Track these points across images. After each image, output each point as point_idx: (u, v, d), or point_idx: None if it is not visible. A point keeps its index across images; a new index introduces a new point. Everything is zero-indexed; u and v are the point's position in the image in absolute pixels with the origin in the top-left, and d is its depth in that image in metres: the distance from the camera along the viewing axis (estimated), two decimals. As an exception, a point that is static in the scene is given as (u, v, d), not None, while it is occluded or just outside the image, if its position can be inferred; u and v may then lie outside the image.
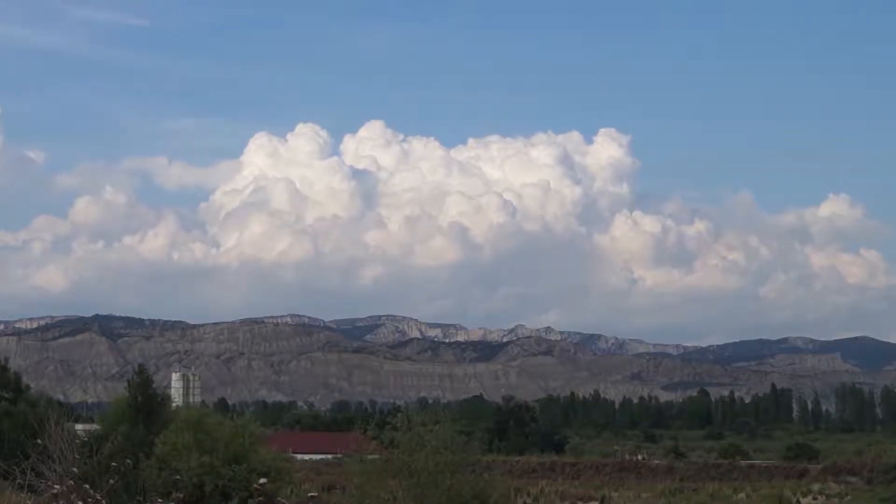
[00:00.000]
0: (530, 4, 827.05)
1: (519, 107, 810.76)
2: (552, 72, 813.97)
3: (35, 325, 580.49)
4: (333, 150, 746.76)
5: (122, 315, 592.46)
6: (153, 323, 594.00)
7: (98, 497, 11.57)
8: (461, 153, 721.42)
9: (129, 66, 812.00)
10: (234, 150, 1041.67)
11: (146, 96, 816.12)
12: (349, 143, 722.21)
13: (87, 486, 11.92)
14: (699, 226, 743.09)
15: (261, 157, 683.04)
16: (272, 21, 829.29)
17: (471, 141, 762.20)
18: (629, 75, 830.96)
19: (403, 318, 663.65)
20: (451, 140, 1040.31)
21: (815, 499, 74.07)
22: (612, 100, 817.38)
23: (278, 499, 16.94)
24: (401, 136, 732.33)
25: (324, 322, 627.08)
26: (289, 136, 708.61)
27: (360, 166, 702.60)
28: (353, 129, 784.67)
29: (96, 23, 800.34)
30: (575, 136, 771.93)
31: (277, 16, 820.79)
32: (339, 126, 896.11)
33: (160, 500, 14.08)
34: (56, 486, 12.28)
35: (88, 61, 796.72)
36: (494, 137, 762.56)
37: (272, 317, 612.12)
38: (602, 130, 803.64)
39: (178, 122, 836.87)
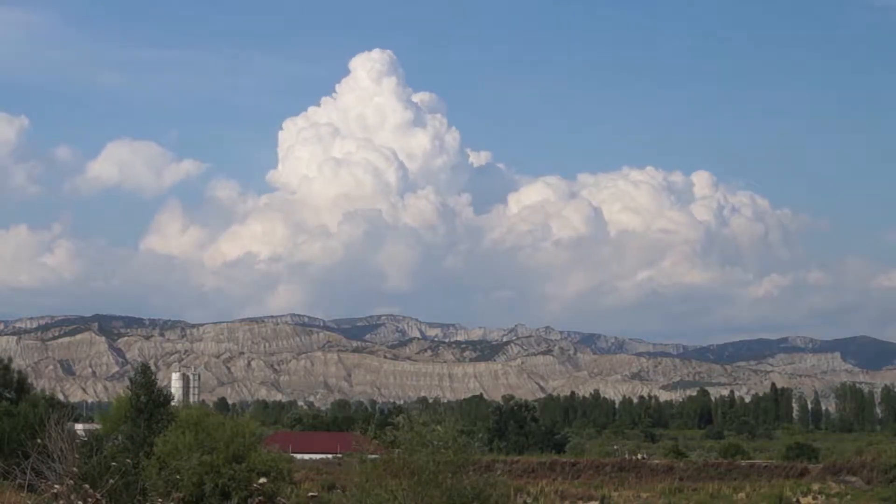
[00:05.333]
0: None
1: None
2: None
3: (35, 324, 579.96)
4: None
5: (122, 315, 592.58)
6: (153, 322, 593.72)
7: (98, 496, 11.52)
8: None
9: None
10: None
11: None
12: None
13: (88, 486, 11.87)
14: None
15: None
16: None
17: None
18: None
19: (403, 317, 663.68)
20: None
21: (814, 498, 74.03)
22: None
23: (278, 498, 16.93)
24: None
25: (324, 322, 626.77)
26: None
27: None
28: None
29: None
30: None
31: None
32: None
33: (160, 500, 14.05)
34: (56, 486, 12.23)
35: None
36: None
37: (272, 316, 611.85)
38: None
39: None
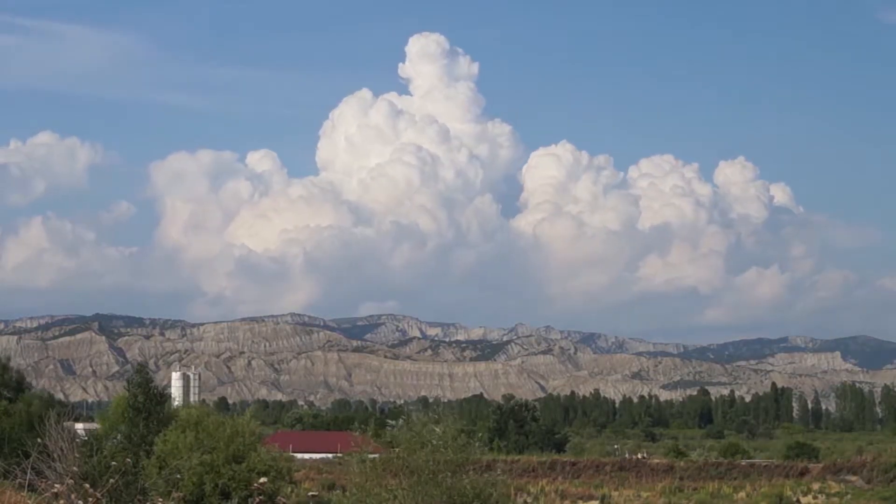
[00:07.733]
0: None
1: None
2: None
3: (35, 324, 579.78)
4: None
5: (122, 314, 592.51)
6: (153, 322, 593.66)
7: (98, 496, 11.52)
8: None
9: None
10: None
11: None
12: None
13: (88, 485, 11.88)
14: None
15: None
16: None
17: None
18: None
19: (404, 316, 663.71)
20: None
21: (815, 498, 74.05)
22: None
23: (278, 498, 16.93)
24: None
25: (324, 321, 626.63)
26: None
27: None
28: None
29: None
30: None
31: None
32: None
33: (160, 500, 14.04)
34: (56, 485, 12.25)
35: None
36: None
37: (272, 316, 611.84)
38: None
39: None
